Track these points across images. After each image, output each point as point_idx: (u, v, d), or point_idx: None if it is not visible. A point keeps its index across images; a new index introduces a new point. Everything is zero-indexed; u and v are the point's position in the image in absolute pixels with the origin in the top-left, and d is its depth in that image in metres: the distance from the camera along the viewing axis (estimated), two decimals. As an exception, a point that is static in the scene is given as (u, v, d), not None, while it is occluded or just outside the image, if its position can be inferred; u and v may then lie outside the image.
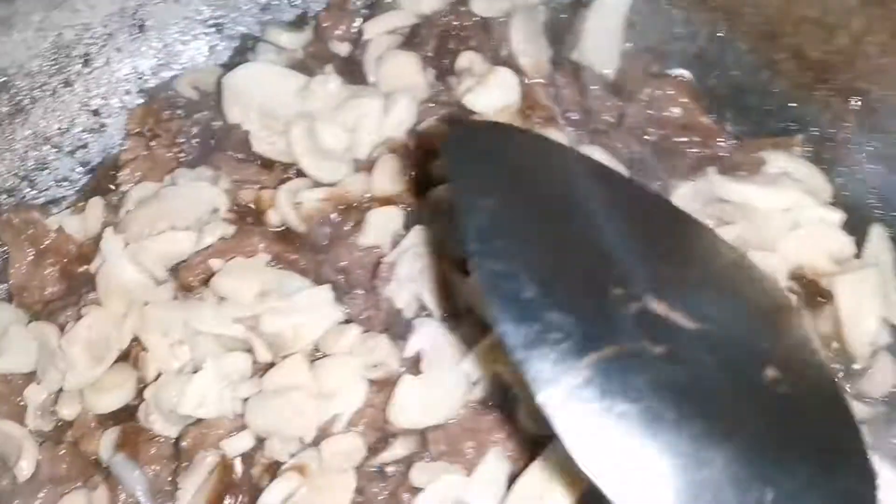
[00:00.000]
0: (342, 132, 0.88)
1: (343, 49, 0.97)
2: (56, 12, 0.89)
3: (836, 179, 0.84)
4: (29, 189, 0.92)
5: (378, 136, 0.88)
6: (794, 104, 0.86)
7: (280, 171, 0.88)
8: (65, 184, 0.94)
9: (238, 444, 0.75)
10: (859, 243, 0.81)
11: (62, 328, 0.82)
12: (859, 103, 0.81)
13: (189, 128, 0.91)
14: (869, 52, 0.79)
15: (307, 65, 0.95)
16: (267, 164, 0.89)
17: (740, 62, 0.89)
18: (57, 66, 0.91)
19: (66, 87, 0.92)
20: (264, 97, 0.89)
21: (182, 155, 0.90)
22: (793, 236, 0.80)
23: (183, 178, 0.87)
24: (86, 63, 0.92)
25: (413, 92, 0.90)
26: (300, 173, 0.87)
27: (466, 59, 0.91)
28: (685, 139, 0.89)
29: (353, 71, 0.95)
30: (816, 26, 0.82)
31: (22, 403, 0.81)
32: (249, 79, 0.89)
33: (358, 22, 0.97)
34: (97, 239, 0.87)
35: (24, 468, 0.77)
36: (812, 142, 0.86)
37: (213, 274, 0.81)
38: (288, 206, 0.85)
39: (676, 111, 0.90)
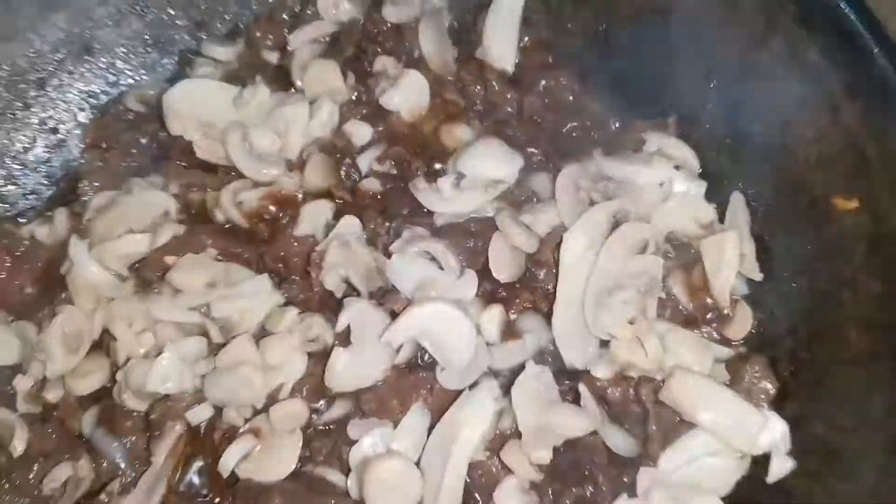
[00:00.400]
0: (274, 136, 0.99)
1: (273, 57, 1.07)
2: (9, 44, 0.98)
3: (703, 154, 0.95)
4: (1, 204, 1.03)
5: (306, 138, 0.99)
6: (668, 89, 0.97)
7: (223, 174, 0.99)
8: (32, 197, 1.05)
9: (199, 414, 0.87)
10: (723, 209, 0.94)
11: (40, 325, 0.93)
12: (717, 86, 0.93)
13: (139, 139, 1.02)
14: (723, 38, 0.90)
15: (241, 75, 1.04)
16: (210, 168, 1.00)
17: (620, 53, 1.00)
18: (15, 92, 1.01)
19: (25, 110, 1.02)
20: (201, 109, 0.99)
21: (135, 164, 1.01)
22: (665, 206, 0.92)
23: (136, 186, 0.98)
24: (40, 86, 1.02)
25: (335, 96, 1.01)
26: (241, 175, 0.98)
27: (381, 63, 1.02)
28: (576, 123, 1.01)
29: (283, 77, 1.05)
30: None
31: (12, 392, 0.91)
32: (186, 94, 1.00)
33: (286, 31, 1.07)
34: (65, 244, 0.96)
35: (18, 446, 0.88)
36: (683, 123, 0.97)
37: (168, 269, 0.93)
38: (231, 206, 0.96)
39: (569, 98, 1.02)
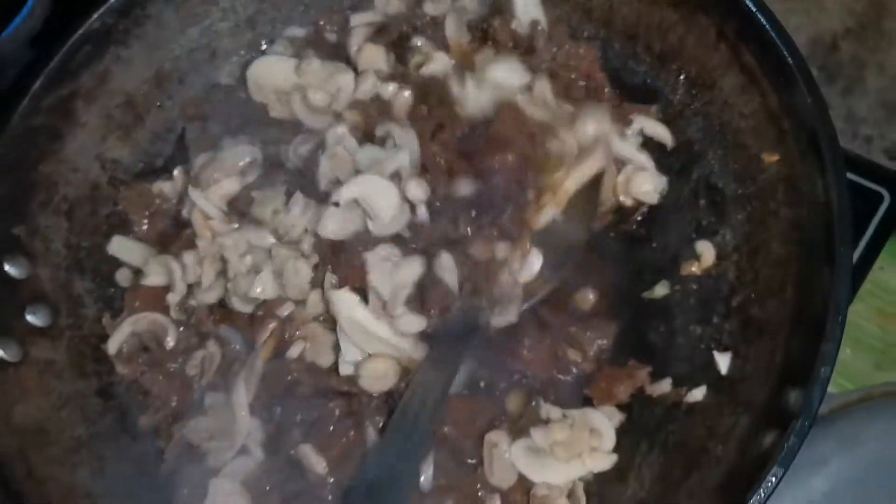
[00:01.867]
0: (327, 95, 1.27)
1: (333, 38, 1.35)
2: (156, 52, 1.30)
3: (677, 129, 1.23)
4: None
5: (351, 99, 1.27)
6: (650, 80, 1.26)
7: (290, 128, 1.28)
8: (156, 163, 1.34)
9: (286, 311, 1.16)
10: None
11: (176, 255, 1.22)
12: (685, 79, 1.22)
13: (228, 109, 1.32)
14: (688, 46, 1.20)
15: (308, 52, 1.31)
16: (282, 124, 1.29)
17: (616, 55, 1.28)
18: (162, 89, 1.33)
19: (169, 101, 1.34)
20: (273, 79, 1.28)
21: (226, 128, 1.29)
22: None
23: (227, 144, 1.27)
24: (180, 82, 1.34)
25: (378, 71, 1.29)
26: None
27: (417, 40, 1.30)
28: (584, 84, 1.27)
29: (340, 54, 1.32)
30: (658, 30, 1.23)
31: (165, 305, 1.20)
32: (262, 67, 1.29)
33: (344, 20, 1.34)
34: (183, 195, 1.26)
35: (170, 341, 1.17)
36: (662, 106, 1.25)
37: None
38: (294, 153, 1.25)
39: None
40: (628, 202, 1.23)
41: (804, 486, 1.09)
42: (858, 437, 1.11)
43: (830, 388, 1.17)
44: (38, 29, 1.48)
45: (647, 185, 1.22)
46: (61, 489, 1.06)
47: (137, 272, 1.27)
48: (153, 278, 1.24)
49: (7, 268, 1.15)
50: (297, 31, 1.37)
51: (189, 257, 1.22)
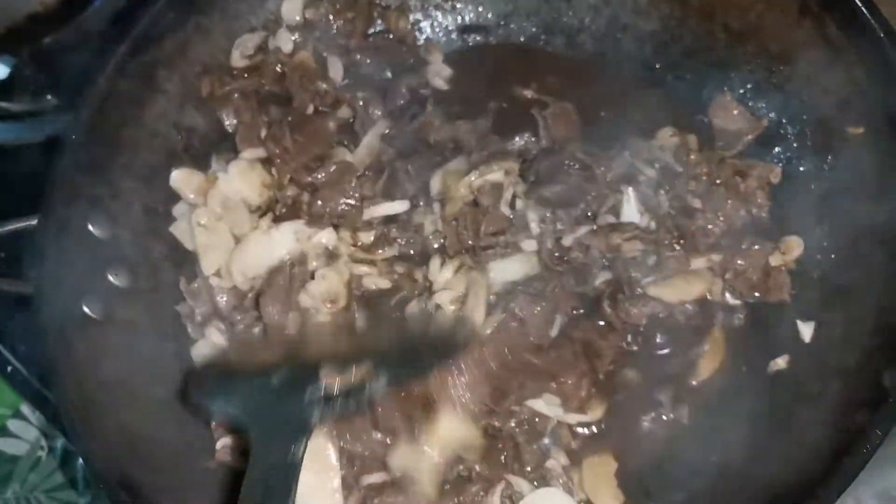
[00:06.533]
0: None
1: None
2: (235, 22, 1.33)
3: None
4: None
5: None
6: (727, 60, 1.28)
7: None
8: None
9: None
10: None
11: None
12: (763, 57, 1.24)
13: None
14: (767, 23, 1.22)
15: None
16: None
17: (691, 33, 1.31)
18: None
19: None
20: None
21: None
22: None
23: None
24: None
25: None
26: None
27: None
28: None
29: None
30: (737, 9, 1.24)
31: None
32: None
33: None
34: None
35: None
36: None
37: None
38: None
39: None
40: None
41: (885, 479, 1.09)
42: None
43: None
44: (122, 6, 1.50)
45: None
46: (151, 445, 1.06)
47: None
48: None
49: (91, 227, 1.16)
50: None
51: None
